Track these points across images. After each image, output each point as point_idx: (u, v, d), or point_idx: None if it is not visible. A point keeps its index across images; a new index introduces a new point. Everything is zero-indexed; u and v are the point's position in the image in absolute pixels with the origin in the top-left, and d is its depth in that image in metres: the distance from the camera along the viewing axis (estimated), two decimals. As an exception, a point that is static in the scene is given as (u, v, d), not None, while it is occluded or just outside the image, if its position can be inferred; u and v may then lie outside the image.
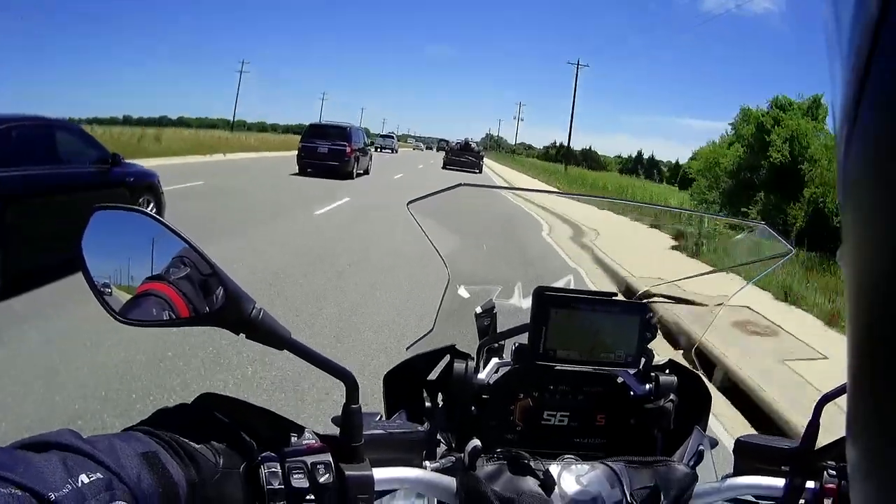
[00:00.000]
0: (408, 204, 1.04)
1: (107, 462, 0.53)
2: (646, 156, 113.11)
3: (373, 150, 28.47)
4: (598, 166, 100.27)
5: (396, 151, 65.54)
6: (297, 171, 20.90)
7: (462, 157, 37.98)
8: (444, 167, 37.02)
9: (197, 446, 0.63)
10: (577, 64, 59.89)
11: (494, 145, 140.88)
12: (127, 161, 7.57)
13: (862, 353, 0.24)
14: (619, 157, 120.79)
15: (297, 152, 21.56)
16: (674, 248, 9.57)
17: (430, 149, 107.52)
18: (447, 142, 59.21)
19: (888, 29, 0.20)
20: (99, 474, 0.51)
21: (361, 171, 22.98)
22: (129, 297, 0.68)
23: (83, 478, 0.49)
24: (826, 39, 0.25)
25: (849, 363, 0.25)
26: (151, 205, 7.49)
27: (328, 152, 20.79)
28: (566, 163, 63.31)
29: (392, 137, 73.35)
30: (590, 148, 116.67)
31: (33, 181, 5.54)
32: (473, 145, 41.17)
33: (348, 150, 21.02)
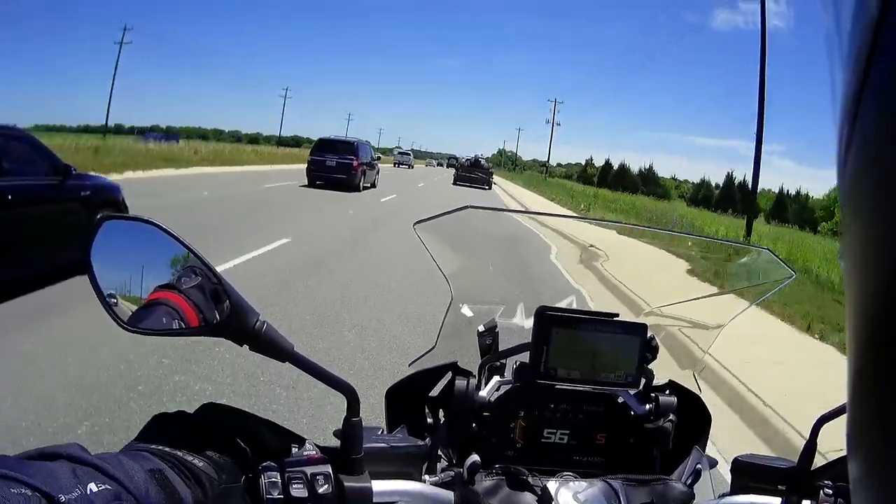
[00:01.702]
0: (414, 224, 1.05)
1: (115, 474, 0.54)
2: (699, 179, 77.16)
3: (387, 165, 29.06)
4: (662, 193, 69.53)
5: (412, 167, 71.67)
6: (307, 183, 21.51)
7: (472, 173, 38.58)
8: (454, 183, 37.29)
9: (199, 464, 0.64)
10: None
11: (508, 162, 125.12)
12: (87, 173, 7.05)
13: (863, 353, 0.24)
14: (675, 179, 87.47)
15: (306, 165, 22.39)
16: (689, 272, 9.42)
17: (441, 165, 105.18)
18: (457, 158, 59.96)
19: (888, 29, 0.21)
20: (107, 486, 0.52)
21: (368, 185, 23.78)
22: (135, 306, 0.69)
23: (92, 486, 0.51)
24: (826, 39, 0.25)
25: (850, 365, 0.25)
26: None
27: (336, 165, 21.59)
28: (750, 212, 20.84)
29: (409, 155, 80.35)
30: (650, 168, 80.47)
31: None
32: (483, 162, 42.01)
33: (355, 163, 21.79)
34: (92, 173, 7.68)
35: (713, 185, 74.81)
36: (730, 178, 69.88)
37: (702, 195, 71.08)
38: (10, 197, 5.21)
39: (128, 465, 0.56)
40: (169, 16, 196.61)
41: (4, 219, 5.19)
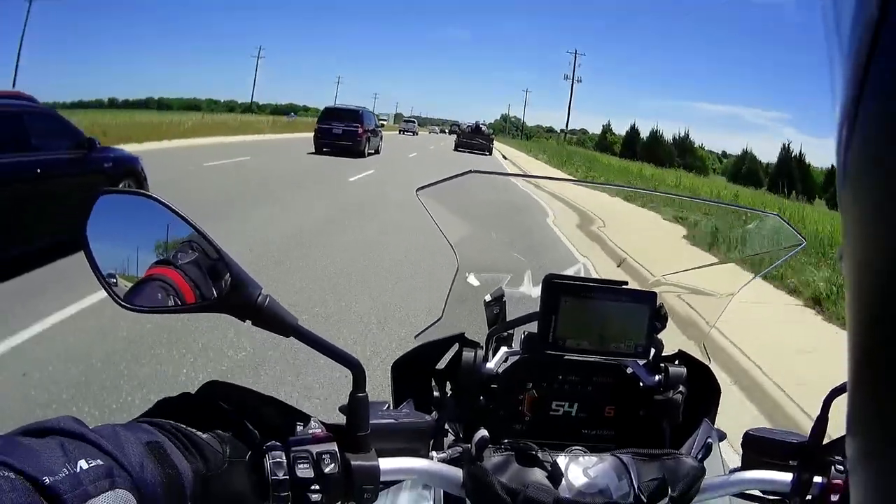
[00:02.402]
0: (417, 190, 1.03)
1: (108, 449, 0.52)
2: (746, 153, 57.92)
3: (392, 133, 29.84)
4: (701, 167, 55.44)
5: (416, 134, 74.74)
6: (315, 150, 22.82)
7: (473, 139, 40.09)
8: (455, 149, 38.61)
9: (203, 436, 0.63)
10: None
11: (512, 128, 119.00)
12: (108, 146, 7.46)
13: (863, 351, 0.24)
14: (702, 147, 65.59)
15: (314, 133, 23.96)
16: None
17: (444, 132, 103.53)
18: (459, 125, 61.10)
19: (888, 29, 0.21)
20: (99, 461, 0.50)
21: (372, 151, 25.24)
22: (132, 282, 0.68)
23: (82, 463, 0.49)
24: (826, 39, 0.25)
25: (849, 361, 0.25)
26: (133, 190, 7.46)
27: (342, 133, 23.08)
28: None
29: (413, 122, 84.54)
30: (686, 135, 61.33)
31: (3, 168, 5.26)
32: (484, 129, 43.39)
33: (360, 130, 23.37)
34: (112, 146, 7.99)
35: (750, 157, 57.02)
36: (786, 150, 53.79)
37: (745, 170, 53.81)
38: (38, 171, 5.64)
39: (123, 438, 0.55)
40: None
41: (34, 192, 5.61)
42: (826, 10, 0.25)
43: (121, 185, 6.85)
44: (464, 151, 37.31)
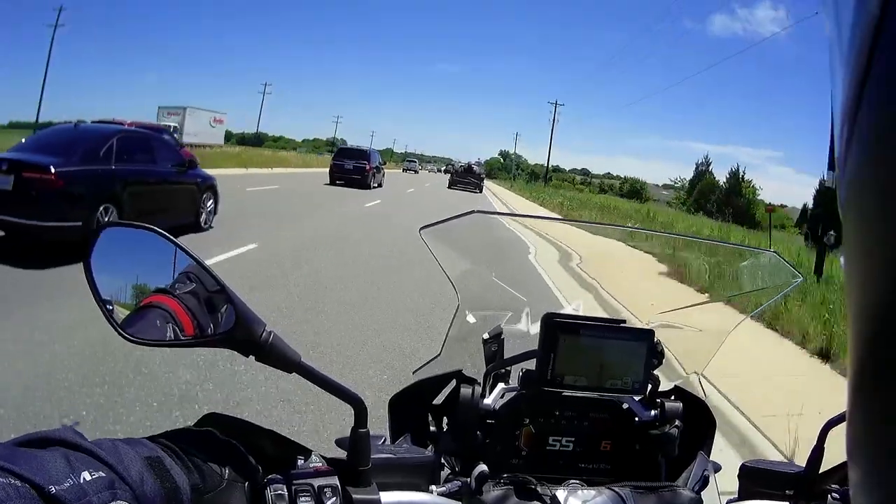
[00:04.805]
0: (420, 229, 1.04)
1: (110, 462, 0.52)
2: None
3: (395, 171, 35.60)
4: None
5: (417, 172, 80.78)
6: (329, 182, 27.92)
7: (465, 178, 44.27)
8: (449, 187, 43.77)
9: (202, 459, 0.63)
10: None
11: (512, 167, 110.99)
12: (197, 167, 10.21)
13: (864, 358, 0.23)
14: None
15: (329, 168, 29.17)
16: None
17: (440, 171, 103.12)
18: (453, 164, 64.62)
19: (888, 29, 0.21)
20: (101, 473, 0.51)
21: (376, 185, 29.86)
22: (134, 312, 0.68)
23: (85, 475, 0.49)
24: (826, 39, 0.25)
25: (851, 369, 0.24)
26: (212, 201, 10.22)
27: (353, 168, 27.96)
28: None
29: (415, 161, 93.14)
30: (738, 174, 49.32)
31: (139, 173, 8.21)
32: (476, 168, 47.84)
33: (367, 167, 28.12)
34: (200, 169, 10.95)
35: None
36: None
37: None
38: (155, 178, 8.65)
39: (123, 452, 0.55)
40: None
41: (156, 191, 8.70)
42: (826, 10, 0.25)
43: (204, 196, 9.93)
44: (456, 189, 40.19)
